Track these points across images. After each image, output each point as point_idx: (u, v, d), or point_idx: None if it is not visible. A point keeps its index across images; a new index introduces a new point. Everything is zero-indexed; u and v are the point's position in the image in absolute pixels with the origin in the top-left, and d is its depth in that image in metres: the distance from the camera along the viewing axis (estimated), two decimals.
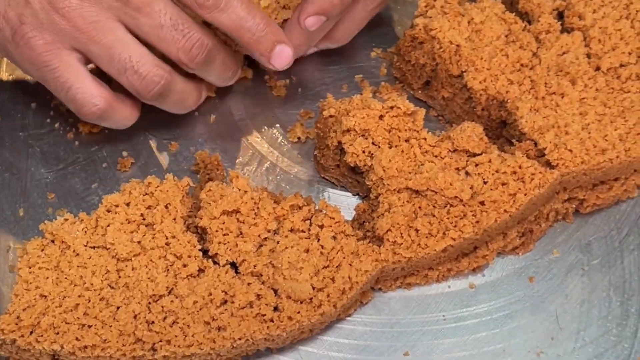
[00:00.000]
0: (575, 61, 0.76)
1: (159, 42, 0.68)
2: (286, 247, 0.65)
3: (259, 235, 0.66)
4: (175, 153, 0.78)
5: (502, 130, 0.77)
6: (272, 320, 0.63)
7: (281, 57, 0.71)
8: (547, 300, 0.70)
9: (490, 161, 0.70)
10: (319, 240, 0.66)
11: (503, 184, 0.69)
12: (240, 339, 0.63)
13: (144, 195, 0.68)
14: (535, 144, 0.73)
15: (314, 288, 0.64)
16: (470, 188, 0.69)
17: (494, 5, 0.79)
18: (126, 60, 0.68)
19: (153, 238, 0.66)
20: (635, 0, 0.79)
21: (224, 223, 0.66)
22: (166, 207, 0.67)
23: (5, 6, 0.67)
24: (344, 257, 0.65)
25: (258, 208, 0.67)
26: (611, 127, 0.73)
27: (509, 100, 0.75)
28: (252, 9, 0.70)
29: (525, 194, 0.69)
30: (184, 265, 0.65)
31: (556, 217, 0.75)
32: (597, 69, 0.76)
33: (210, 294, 0.64)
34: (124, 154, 0.77)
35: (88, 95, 0.68)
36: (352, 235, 0.67)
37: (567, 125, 0.73)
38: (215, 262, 0.66)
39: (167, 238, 0.66)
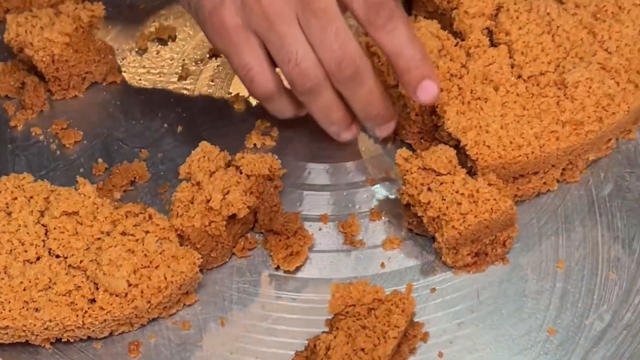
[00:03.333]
0: (500, 70, 0.85)
1: (319, 45, 0.76)
2: (110, 247, 0.74)
3: (92, 235, 0.75)
4: (145, 159, 0.87)
5: (435, 133, 0.86)
6: (83, 310, 0.72)
7: (427, 91, 0.78)
8: (469, 279, 0.79)
9: (453, 182, 0.78)
10: (143, 243, 0.75)
11: (458, 204, 0.76)
12: (50, 321, 0.71)
13: (16, 187, 0.78)
14: (459, 142, 0.81)
15: (130, 284, 0.73)
16: (428, 203, 0.77)
17: (429, 25, 0.89)
18: (292, 52, 0.76)
19: (8, 223, 0.75)
20: (557, 17, 0.88)
21: (62, 222, 0.75)
22: (29, 199, 0.77)
23: None
24: (164, 260, 0.74)
25: (98, 211, 0.76)
26: (528, 127, 0.81)
27: (438, 105, 0.84)
28: (415, 40, 0.78)
29: (475, 216, 0.75)
30: (25, 251, 0.74)
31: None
32: (519, 77, 0.85)
33: (37, 279, 0.73)
34: (99, 160, 0.87)
35: (264, 78, 0.79)
36: (174, 242, 0.75)
37: (487, 125, 0.82)
38: (55, 255, 0.75)
39: (19, 226, 0.75)
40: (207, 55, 0.96)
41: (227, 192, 0.78)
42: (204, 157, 0.80)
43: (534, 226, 0.82)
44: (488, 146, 0.80)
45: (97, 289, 0.73)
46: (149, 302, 0.74)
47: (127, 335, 0.76)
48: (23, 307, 0.72)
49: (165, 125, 0.90)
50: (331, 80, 0.78)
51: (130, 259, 0.74)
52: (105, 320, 0.73)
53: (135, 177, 0.86)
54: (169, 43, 0.98)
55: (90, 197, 0.77)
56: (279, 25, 0.76)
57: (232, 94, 0.93)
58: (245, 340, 0.75)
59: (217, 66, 0.96)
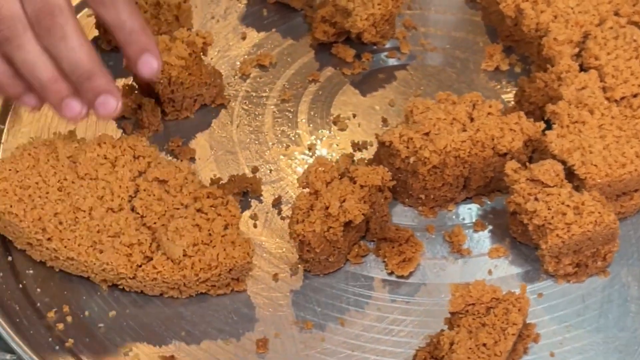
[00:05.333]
0: (592, 95, 0.90)
1: None
2: (181, 217, 0.81)
3: (172, 204, 0.82)
4: (255, 173, 0.93)
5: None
6: (138, 264, 0.80)
7: (147, 65, 0.78)
8: (573, 286, 0.83)
9: (559, 194, 0.82)
10: (212, 223, 0.81)
11: (563, 214, 0.80)
12: (107, 264, 0.79)
13: (129, 146, 0.86)
14: (565, 163, 0.85)
15: (185, 254, 0.79)
16: (534, 212, 0.81)
17: None
18: None
19: (109, 174, 0.84)
20: None
21: (151, 186, 0.83)
22: (135, 158, 0.85)
23: None
24: (222, 243, 0.80)
25: (185, 185, 0.84)
26: (628, 146, 0.86)
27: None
28: (135, 13, 0.78)
29: (579, 226, 0.79)
30: (112, 200, 0.82)
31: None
32: (612, 99, 0.90)
33: (111, 226, 0.81)
34: (214, 174, 0.93)
35: None
36: (238, 229, 0.82)
37: (590, 146, 0.86)
38: (135, 211, 0.83)
39: (116, 178, 0.84)
40: (307, 80, 1.02)
41: (344, 200, 0.82)
42: (320, 168, 0.85)
43: (631, 237, 0.86)
44: (595, 165, 0.84)
45: (158, 250, 0.80)
46: (197, 275, 0.80)
47: (253, 333, 0.80)
48: (90, 246, 0.80)
49: (271, 144, 0.96)
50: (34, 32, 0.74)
51: (194, 233, 0.80)
52: (155, 279, 0.80)
53: (248, 189, 0.91)
54: (269, 69, 1.03)
55: (183, 172, 0.85)
56: None
57: (334, 115, 0.98)
58: (365, 339, 0.80)
59: (317, 90, 1.01)
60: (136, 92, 0.98)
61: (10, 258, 0.84)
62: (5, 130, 0.96)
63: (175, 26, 1.03)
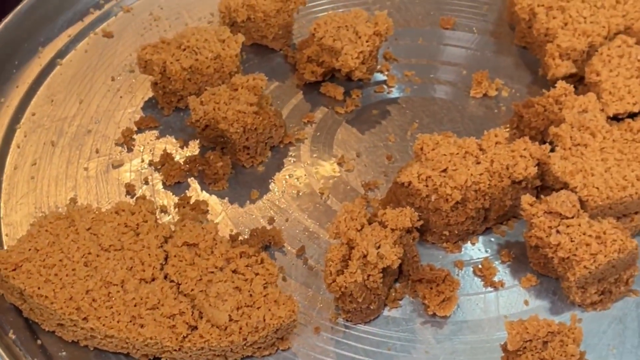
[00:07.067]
0: (594, 118, 0.92)
1: None
2: (220, 281, 0.80)
3: (206, 268, 0.81)
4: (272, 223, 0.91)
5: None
6: (183, 335, 0.77)
7: None
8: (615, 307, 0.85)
9: (579, 225, 0.83)
10: (251, 284, 0.80)
11: (587, 244, 0.82)
12: (150, 339, 0.77)
13: (149, 211, 0.84)
14: (567, 185, 0.87)
15: (231, 319, 0.78)
16: (557, 244, 0.82)
17: None
18: None
19: (135, 242, 0.82)
20: None
21: (181, 251, 0.81)
22: (157, 225, 0.83)
23: None
24: (266, 303, 0.79)
25: (216, 247, 0.82)
26: (629, 169, 0.88)
27: None
28: None
29: (605, 256, 0.81)
30: (143, 270, 0.80)
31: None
32: (609, 117, 0.93)
33: (148, 297, 0.79)
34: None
35: None
36: (278, 288, 0.81)
37: (592, 168, 0.88)
38: (169, 280, 0.80)
39: (143, 247, 0.82)
40: (303, 122, 1.01)
41: (379, 246, 0.82)
42: (349, 216, 0.84)
43: None
44: (597, 188, 0.86)
45: (201, 317, 0.78)
46: (245, 339, 0.78)
47: None
48: (130, 321, 0.78)
49: (281, 191, 0.95)
50: None
51: (236, 296, 0.79)
52: (202, 348, 0.77)
53: (270, 242, 0.89)
54: None
55: (211, 233, 0.83)
56: None
57: (337, 157, 0.98)
58: None
59: (314, 132, 1.00)
60: (197, 155, 0.96)
61: (39, 342, 0.80)
62: (1, 204, 0.92)
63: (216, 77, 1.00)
